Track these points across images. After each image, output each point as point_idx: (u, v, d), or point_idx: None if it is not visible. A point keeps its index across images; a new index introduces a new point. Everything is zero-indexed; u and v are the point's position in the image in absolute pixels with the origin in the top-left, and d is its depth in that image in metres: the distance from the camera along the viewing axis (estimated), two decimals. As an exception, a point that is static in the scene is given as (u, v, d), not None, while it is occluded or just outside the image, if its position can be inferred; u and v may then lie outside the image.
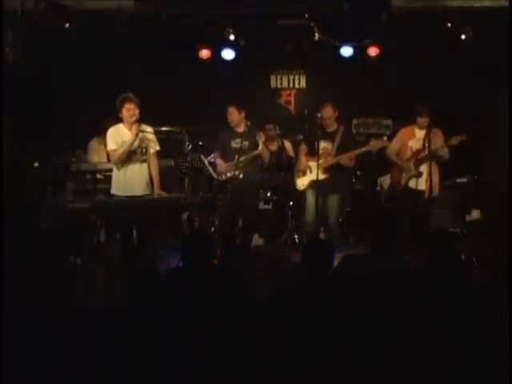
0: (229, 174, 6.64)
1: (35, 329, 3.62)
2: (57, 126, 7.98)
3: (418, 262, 6.11)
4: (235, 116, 6.75)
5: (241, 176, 6.66)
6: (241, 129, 6.76)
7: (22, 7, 6.48)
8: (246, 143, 6.67)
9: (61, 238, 6.14)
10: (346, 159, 6.60)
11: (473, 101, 8.11)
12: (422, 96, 7.21)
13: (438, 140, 6.47)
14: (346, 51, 8.21)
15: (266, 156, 6.88)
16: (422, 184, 6.49)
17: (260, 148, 6.66)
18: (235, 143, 6.69)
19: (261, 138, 6.65)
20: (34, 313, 3.93)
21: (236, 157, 6.54)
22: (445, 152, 6.42)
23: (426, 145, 6.33)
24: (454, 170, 7.43)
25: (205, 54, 8.60)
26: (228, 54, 8.55)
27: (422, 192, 6.46)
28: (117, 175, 6.01)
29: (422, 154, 6.49)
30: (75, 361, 3.27)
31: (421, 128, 6.54)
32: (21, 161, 6.92)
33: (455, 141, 6.40)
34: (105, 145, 6.35)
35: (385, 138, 6.93)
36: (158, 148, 6.13)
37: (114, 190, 6.04)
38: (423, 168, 6.48)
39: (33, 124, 7.12)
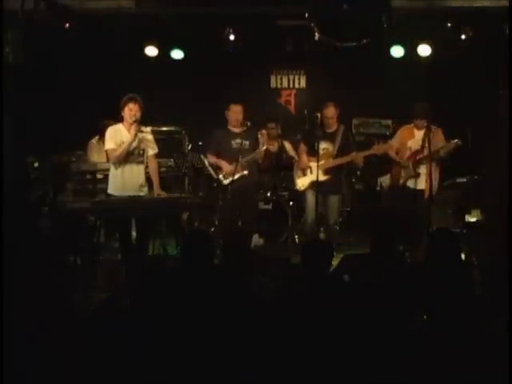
0: (236, 176, 6.51)
1: (35, 329, 3.62)
2: (57, 126, 7.98)
3: (418, 261, 6.14)
4: (240, 114, 6.65)
5: (247, 176, 6.58)
6: (239, 129, 6.69)
7: (22, 7, 6.47)
8: (247, 143, 6.62)
9: (61, 237, 6.13)
10: (358, 160, 6.58)
11: (473, 101, 8.11)
12: (422, 96, 7.20)
13: (439, 140, 6.46)
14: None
15: (262, 155, 6.82)
16: (420, 184, 6.52)
17: (264, 146, 6.60)
18: (236, 143, 6.62)
19: (263, 136, 6.60)
20: (33, 313, 3.93)
21: (240, 157, 6.48)
22: (444, 153, 6.41)
23: (426, 145, 6.33)
24: (454, 170, 7.43)
25: (204, 53, 8.60)
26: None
27: (421, 191, 6.47)
28: (114, 175, 6.03)
29: (421, 155, 6.51)
30: (75, 361, 3.27)
31: (419, 129, 6.55)
32: (21, 161, 6.92)
33: (451, 145, 6.41)
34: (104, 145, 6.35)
35: (389, 141, 6.87)
36: (156, 150, 6.14)
37: (110, 190, 6.05)
38: (422, 168, 6.49)
39: (33, 124, 7.12)
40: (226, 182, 6.64)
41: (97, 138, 7.61)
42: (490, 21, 7.12)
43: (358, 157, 6.53)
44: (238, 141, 6.59)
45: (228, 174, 6.58)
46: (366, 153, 6.61)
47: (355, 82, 8.83)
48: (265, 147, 6.64)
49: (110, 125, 6.16)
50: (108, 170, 6.21)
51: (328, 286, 3.92)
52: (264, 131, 6.68)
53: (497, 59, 7.21)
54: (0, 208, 5.46)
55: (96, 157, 7.42)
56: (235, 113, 6.68)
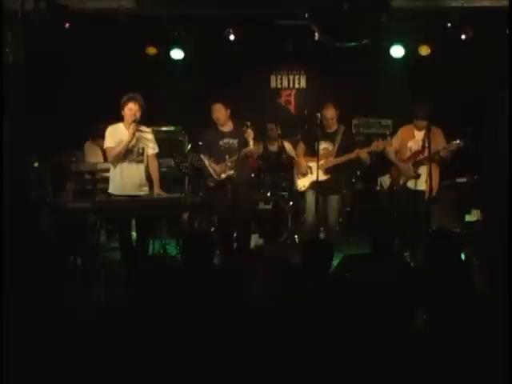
0: (223, 176, 6.50)
1: (35, 329, 3.62)
2: (57, 126, 7.99)
3: (418, 261, 6.15)
4: (222, 113, 6.55)
5: (235, 175, 6.54)
6: (227, 127, 6.64)
7: (22, 7, 6.48)
8: (235, 142, 6.56)
9: (61, 237, 6.14)
10: (364, 155, 6.51)
11: (473, 101, 8.11)
12: (422, 96, 7.20)
13: (439, 141, 6.45)
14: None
15: (255, 153, 6.78)
16: (421, 184, 6.49)
17: (251, 145, 6.54)
18: (223, 143, 6.59)
19: (250, 136, 6.52)
20: (34, 313, 3.93)
21: (227, 157, 6.48)
22: (445, 153, 6.40)
23: (426, 145, 6.31)
24: (454, 170, 7.43)
25: (204, 53, 8.61)
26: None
27: (421, 192, 6.45)
28: (114, 174, 6.02)
29: (421, 156, 6.48)
30: (75, 361, 3.27)
31: (419, 129, 6.54)
32: (21, 161, 6.93)
33: (452, 146, 6.39)
34: (100, 147, 6.37)
35: (388, 139, 6.86)
36: (156, 149, 6.11)
37: (111, 189, 6.06)
38: (423, 169, 6.47)
39: (33, 124, 7.13)
40: (211, 183, 6.62)
41: (91, 140, 7.63)
42: (490, 21, 7.13)
43: (363, 152, 6.49)
44: (226, 140, 6.55)
45: (215, 173, 6.56)
46: (366, 150, 6.58)
47: (355, 82, 8.84)
48: (251, 144, 6.55)
49: (108, 125, 6.16)
50: (107, 169, 6.22)
51: (328, 286, 3.92)
52: (249, 130, 6.56)
53: (497, 59, 7.22)
54: (0, 208, 5.47)
55: (93, 158, 7.42)
56: (215, 111, 6.58)
